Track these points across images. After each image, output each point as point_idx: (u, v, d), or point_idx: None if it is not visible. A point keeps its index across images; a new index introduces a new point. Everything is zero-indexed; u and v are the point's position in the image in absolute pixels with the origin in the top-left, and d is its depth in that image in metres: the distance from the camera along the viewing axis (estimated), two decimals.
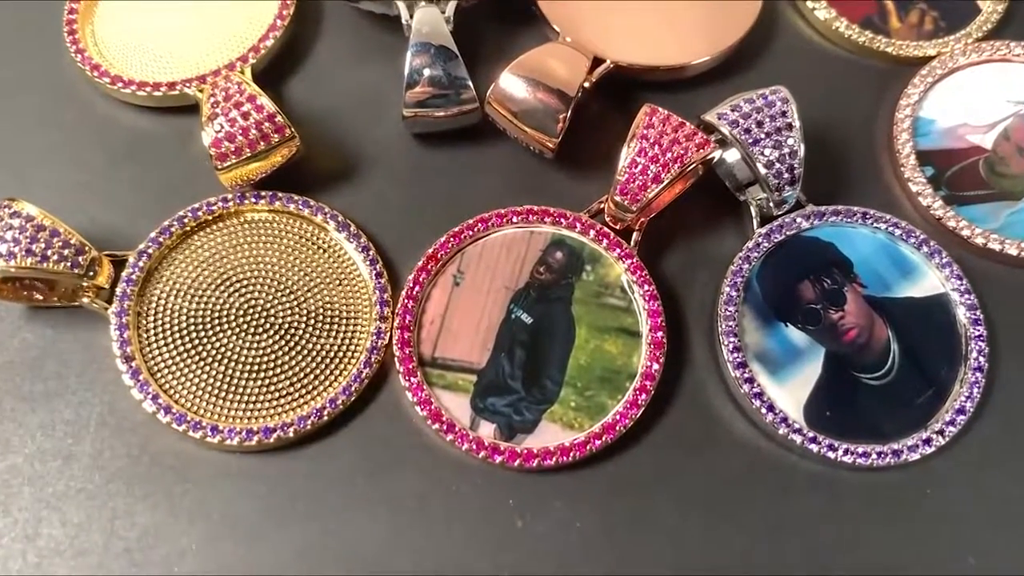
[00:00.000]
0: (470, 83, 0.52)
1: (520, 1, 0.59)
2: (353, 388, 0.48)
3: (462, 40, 0.54)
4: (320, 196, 0.53)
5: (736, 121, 0.50)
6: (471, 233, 0.52)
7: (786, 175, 0.50)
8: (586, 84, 0.54)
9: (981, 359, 0.49)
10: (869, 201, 0.54)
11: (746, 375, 0.48)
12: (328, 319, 0.50)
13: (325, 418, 0.48)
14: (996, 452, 0.49)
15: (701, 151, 0.49)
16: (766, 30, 0.60)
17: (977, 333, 0.50)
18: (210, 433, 0.47)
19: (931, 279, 0.51)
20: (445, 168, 0.55)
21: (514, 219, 0.52)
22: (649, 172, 0.49)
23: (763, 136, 0.50)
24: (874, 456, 0.47)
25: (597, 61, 0.55)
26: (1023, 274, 0.53)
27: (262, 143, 0.50)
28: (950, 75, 0.57)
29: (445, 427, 0.47)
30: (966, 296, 0.51)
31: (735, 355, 0.49)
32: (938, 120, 0.56)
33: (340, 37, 0.59)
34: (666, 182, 0.49)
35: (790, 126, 0.50)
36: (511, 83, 0.52)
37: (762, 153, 0.49)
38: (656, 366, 0.49)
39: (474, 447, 0.47)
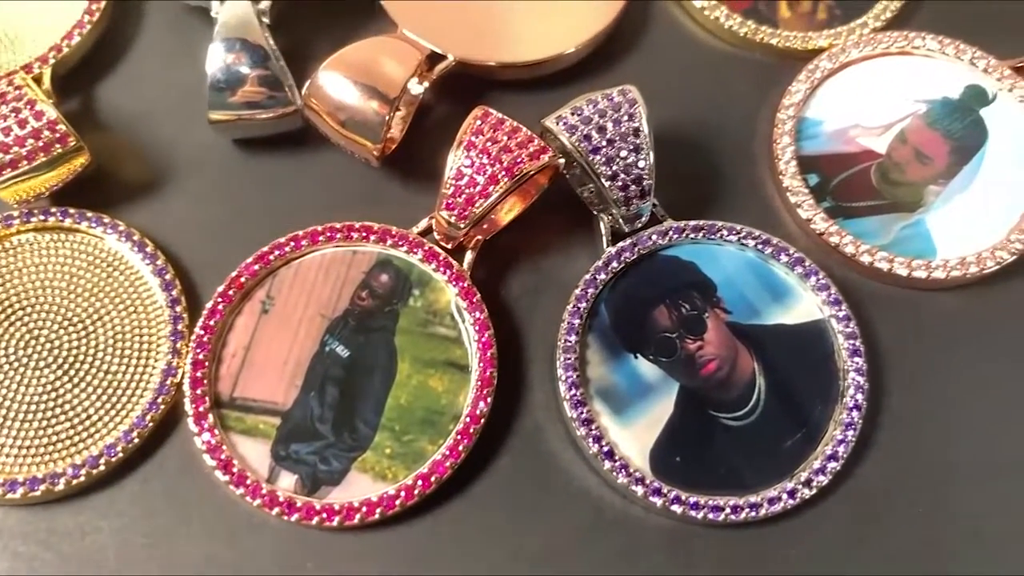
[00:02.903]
0: (284, 83, 0.46)
1: None
2: (135, 433, 0.42)
3: (292, 36, 0.48)
4: (124, 211, 0.47)
5: (575, 126, 0.44)
6: (282, 253, 0.45)
7: (633, 187, 0.43)
8: (425, 83, 0.48)
9: (859, 396, 0.43)
10: (747, 215, 0.48)
11: (584, 415, 0.42)
12: (118, 352, 0.44)
13: (102, 467, 0.42)
14: (873, 506, 0.42)
15: (535, 161, 0.43)
16: (638, 21, 0.53)
17: (855, 366, 0.43)
18: None
19: (806, 304, 0.45)
20: (266, 178, 0.49)
21: (335, 237, 0.46)
22: (477, 184, 0.43)
23: (604, 144, 0.43)
24: (728, 510, 0.41)
25: (438, 57, 0.49)
26: (914, 296, 0.46)
27: (42, 155, 0.44)
28: (841, 70, 0.50)
29: (236, 479, 0.41)
30: (844, 323, 0.44)
31: (573, 392, 0.42)
32: (826, 121, 0.49)
33: (159, 34, 0.52)
34: (495, 196, 0.43)
35: (637, 132, 0.43)
36: (329, 81, 0.46)
37: (604, 163, 0.43)
38: (483, 406, 0.43)
39: (267, 502, 0.41)
